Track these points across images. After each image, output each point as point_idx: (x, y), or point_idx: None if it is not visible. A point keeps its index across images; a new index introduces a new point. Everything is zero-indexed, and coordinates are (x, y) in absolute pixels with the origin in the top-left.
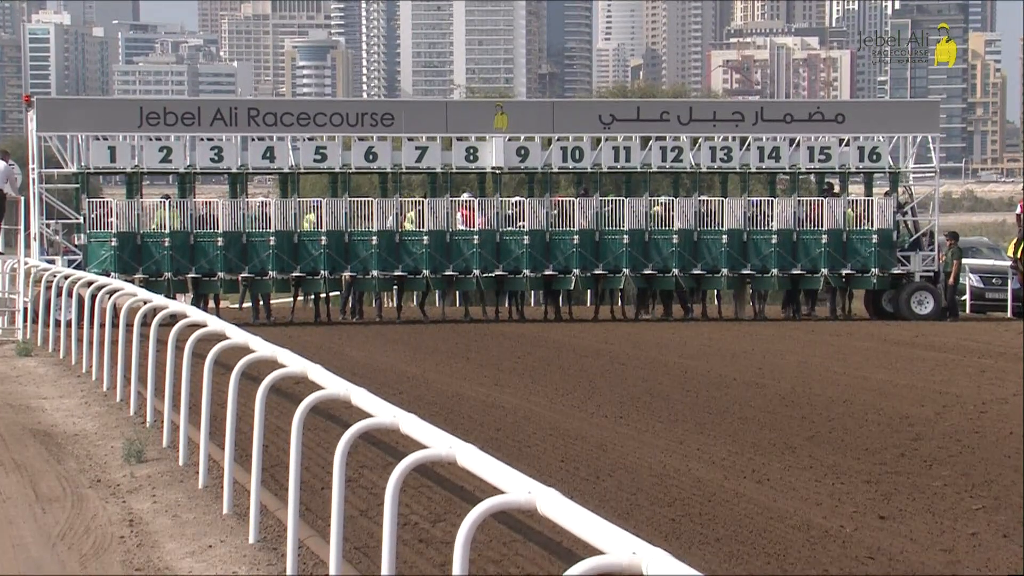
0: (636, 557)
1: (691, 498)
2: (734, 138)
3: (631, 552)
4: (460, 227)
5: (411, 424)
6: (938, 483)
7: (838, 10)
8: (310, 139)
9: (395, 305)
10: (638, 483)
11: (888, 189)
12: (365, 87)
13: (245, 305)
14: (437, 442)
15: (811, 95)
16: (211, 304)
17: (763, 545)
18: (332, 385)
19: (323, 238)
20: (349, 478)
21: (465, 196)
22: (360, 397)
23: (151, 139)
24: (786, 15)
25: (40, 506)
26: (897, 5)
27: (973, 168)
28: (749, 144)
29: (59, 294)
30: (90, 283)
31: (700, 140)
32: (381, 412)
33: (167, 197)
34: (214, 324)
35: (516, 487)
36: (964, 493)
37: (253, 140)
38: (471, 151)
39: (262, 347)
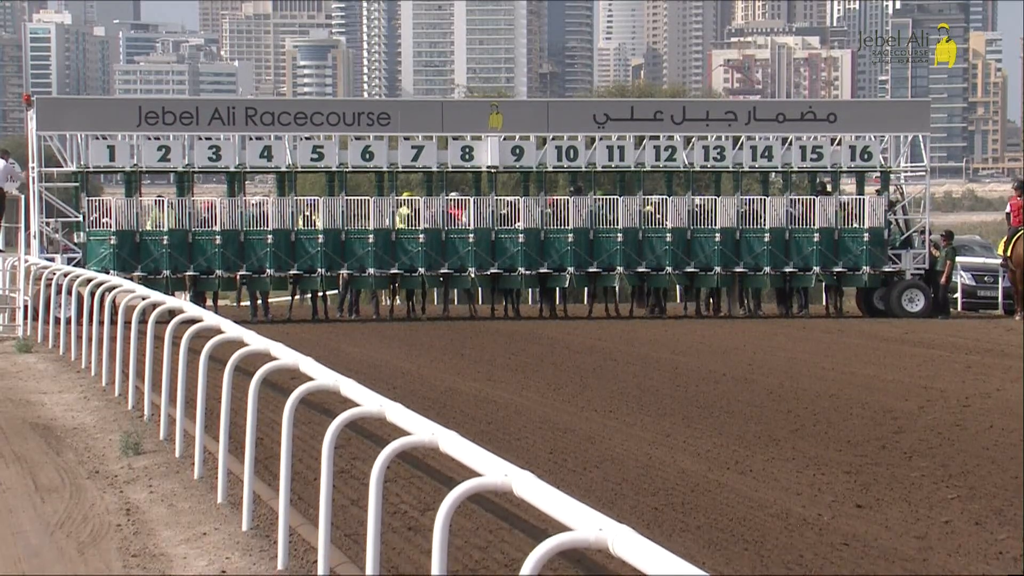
0: (603, 533)
1: (675, 488)
2: (727, 137)
3: (598, 529)
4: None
5: (396, 412)
6: (916, 474)
7: (839, 9)
8: (307, 138)
9: (389, 304)
10: (624, 474)
11: (879, 188)
12: (366, 87)
13: (243, 304)
14: (420, 429)
15: (812, 94)
16: (209, 302)
17: (741, 532)
18: (322, 376)
19: (320, 236)
20: (342, 469)
21: (453, 195)
22: (349, 388)
23: (150, 138)
24: (787, 14)
25: (39, 496)
26: (898, 4)
27: (974, 168)
28: (742, 143)
29: (59, 292)
30: (89, 281)
31: (693, 139)
32: (368, 401)
33: (161, 197)
34: (209, 319)
35: (494, 470)
36: (941, 483)
37: (251, 139)
38: (467, 150)
39: (255, 341)
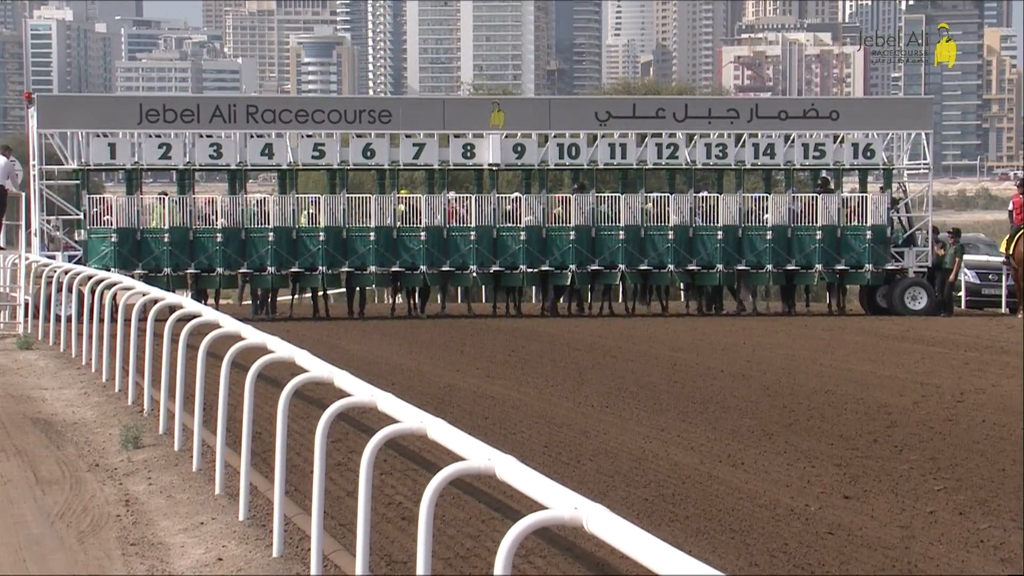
0: (577, 512)
1: (666, 480)
2: (729, 135)
3: (573, 507)
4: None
5: (387, 402)
6: (905, 466)
7: (851, 6)
8: (308, 136)
9: (391, 302)
10: (617, 466)
11: (882, 185)
12: (371, 84)
13: (245, 302)
14: (409, 417)
15: (824, 91)
16: (210, 300)
17: (729, 522)
18: (316, 368)
19: (321, 234)
20: (338, 463)
21: (452, 194)
22: (342, 379)
23: (151, 136)
24: (798, 11)
25: (40, 488)
26: (911, 0)
27: (989, 166)
28: (744, 141)
29: (59, 289)
30: (89, 278)
31: (696, 137)
32: (360, 392)
33: (164, 194)
34: (208, 315)
35: (478, 455)
36: (929, 475)
37: (252, 137)
38: (468, 148)
39: (253, 336)
